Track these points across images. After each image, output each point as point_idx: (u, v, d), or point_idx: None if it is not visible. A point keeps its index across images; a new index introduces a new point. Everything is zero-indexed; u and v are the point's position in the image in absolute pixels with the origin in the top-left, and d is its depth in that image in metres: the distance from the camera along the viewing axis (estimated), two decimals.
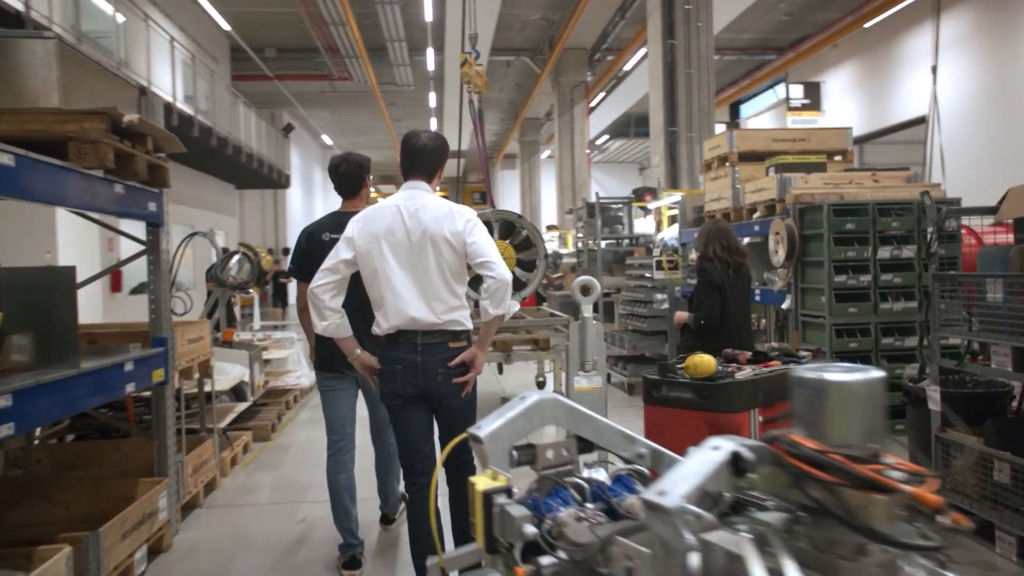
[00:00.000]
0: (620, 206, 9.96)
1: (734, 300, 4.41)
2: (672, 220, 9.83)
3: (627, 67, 19.16)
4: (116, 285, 11.23)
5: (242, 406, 5.90)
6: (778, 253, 5.28)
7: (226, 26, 15.12)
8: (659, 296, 7.37)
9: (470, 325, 2.92)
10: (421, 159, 2.94)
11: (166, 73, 13.14)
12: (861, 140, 17.63)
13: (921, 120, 14.60)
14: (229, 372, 5.81)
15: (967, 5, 13.25)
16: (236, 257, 6.19)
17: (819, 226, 5.00)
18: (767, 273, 5.68)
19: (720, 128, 15.62)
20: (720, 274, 4.39)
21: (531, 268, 6.04)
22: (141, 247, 4.03)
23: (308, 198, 30.67)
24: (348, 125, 28.19)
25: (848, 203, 5.12)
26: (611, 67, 19.60)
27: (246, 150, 16.37)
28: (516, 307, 3.83)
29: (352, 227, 2.90)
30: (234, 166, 16.29)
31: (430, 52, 17.78)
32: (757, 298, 5.92)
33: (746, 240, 5.90)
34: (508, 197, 34.90)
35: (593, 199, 9.57)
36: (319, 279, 2.86)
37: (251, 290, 6.90)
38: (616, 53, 18.86)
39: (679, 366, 3.45)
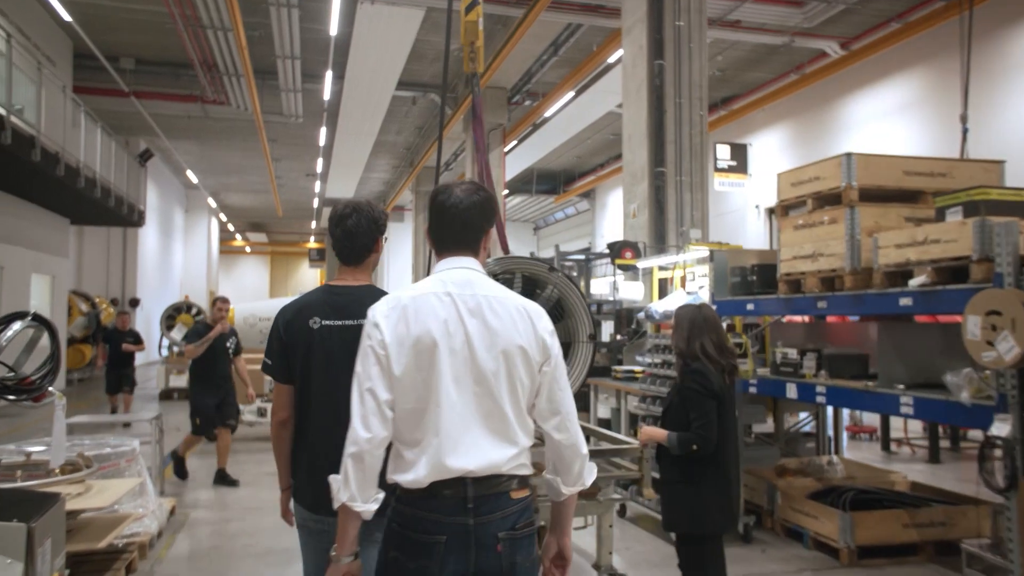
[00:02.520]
0: (571, 264, 7.80)
1: (729, 419, 3.35)
2: (662, 286, 7.74)
3: (548, 113, 17.45)
4: None
5: None
6: (1000, 345, 3.18)
7: (66, 16, 11.92)
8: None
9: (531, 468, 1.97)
10: (466, 222, 2.05)
11: None
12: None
13: None
14: None
15: (912, 73, 12.56)
16: (16, 326, 3.21)
17: None
18: (950, 376, 3.57)
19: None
20: (717, 380, 3.29)
21: (565, 355, 3.64)
22: None
23: (166, 241, 26.64)
24: (219, 161, 24.72)
25: None
26: (531, 113, 17.83)
27: (86, 174, 12.92)
28: (593, 474, 2.07)
29: (382, 325, 1.92)
30: (69, 194, 12.79)
31: (328, 76, 15.20)
32: (907, 412, 3.80)
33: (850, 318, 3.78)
34: (397, 255, 32.23)
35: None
36: (371, 429, 1.88)
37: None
38: (539, 98, 17.13)
39: None
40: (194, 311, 14.23)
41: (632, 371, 6.67)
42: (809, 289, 4.55)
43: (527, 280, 3.66)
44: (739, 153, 17.78)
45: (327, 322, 2.46)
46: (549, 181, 27.06)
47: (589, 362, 3.62)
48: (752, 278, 5.41)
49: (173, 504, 5.66)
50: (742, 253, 5.78)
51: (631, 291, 7.87)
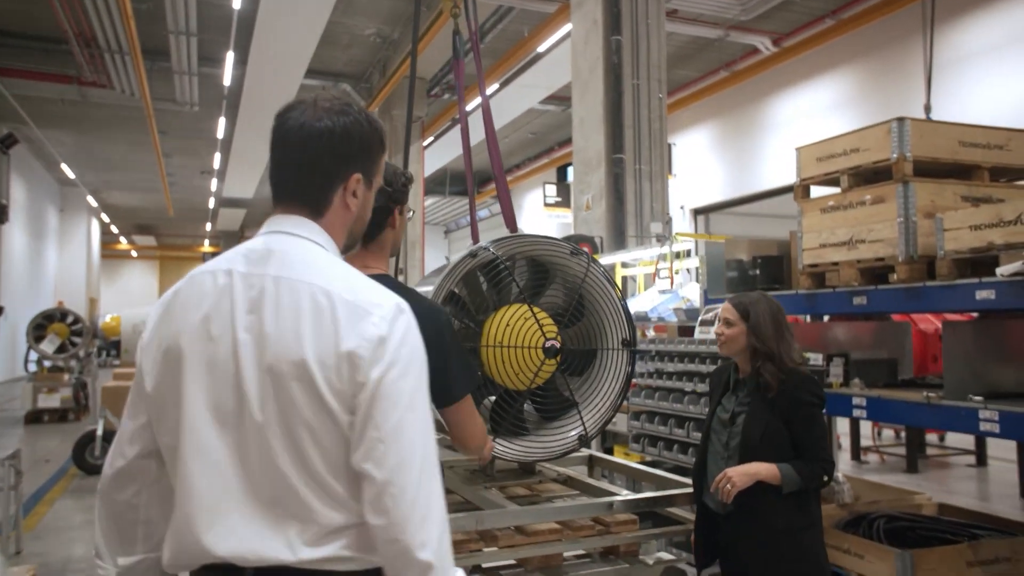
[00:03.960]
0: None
1: None
2: (625, 284, 6.99)
3: (469, 107, 16.52)
4: None
5: None
6: None
7: None
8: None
9: (373, 559, 1.23)
10: (301, 162, 1.33)
11: None
12: (714, 209, 16.63)
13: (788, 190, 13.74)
14: None
15: (843, 71, 12.50)
16: None
17: None
18: None
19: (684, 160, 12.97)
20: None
21: (585, 368, 2.73)
22: None
23: (37, 243, 23.91)
24: (100, 155, 22.34)
25: None
26: (450, 107, 16.88)
27: None
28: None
29: (149, 320, 1.36)
30: None
31: (230, 59, 13.69)
32: (989, 430, 3.12)
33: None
34: None
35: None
36: (112, 464, 1.38)
37: None
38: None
39: None
40: (69, 319, 12.36)
41: None
42: (844, 282, 3.83)
43: (536, 268, 2.73)
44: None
45: None
46: (463, 182, 26.17)
47: (624, 378, 2.72)
48: (754, 272, 4.69)
49: (32, 572, 4.35)
50: (735, 244, 5.05)
51: None
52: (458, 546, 2.36)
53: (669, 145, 16.87)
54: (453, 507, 2.71)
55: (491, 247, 2.52)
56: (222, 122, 17.87)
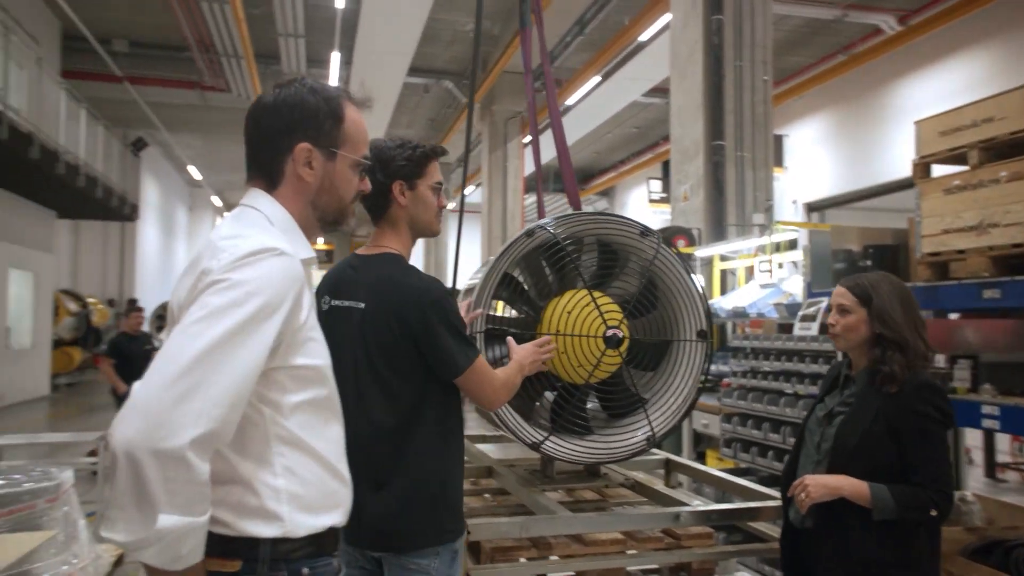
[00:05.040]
0: None
1: None
2: (724, 278, 6.57)
3: (571, 101, 16.29)
4: None
5: None
6: None
7: None
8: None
9: (267, 530, 1.20)
10: (248, 135, 1.41)
11: None
12: (829, 204, 15.60)
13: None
14: None
15: (980, 49, 11.34)
16: None
17: None
18: None
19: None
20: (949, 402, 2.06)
21: (658, 360, 2.46)
22: None
23: (168, 240, 25.67)
24: (223, 157, 23.65)
25: None
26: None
27: (67, 159, 11.81)
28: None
29: None
30: (50, 182, 11.70)
31: (335, 59, 14.09)
32: None
33: None
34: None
35: None
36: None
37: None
38: (562, 85, 15.95)
39: None
40: None
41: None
42: (972, 273, 3.35)
43: (606, 252, 2.48)
44: (775, 145, 16.62)
45: (336, 302, 1.92)
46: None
47: (698, 372, 2.43)
48: (865, 263, 4.23)
49: (117, 554, 4.50)
50: (843, 232, 4.59)
51: None
52: (506, 552, 2.16)
53: (780, 136, 16.07)
54: (507, 511, 2.51)
55: (550, 226, 2.29)
56: None
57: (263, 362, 1.18)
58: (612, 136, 20.85)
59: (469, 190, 22.77)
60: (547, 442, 2.28)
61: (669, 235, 6.92)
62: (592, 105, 16.51)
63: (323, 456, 1.30)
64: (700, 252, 6.36)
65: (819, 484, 1.99)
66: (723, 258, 6.54)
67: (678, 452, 5.09)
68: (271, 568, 1.20)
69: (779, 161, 16.37)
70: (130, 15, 13.21)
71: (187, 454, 1.04)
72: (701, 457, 5.17)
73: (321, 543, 1.27)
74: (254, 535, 1.20)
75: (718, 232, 6.71)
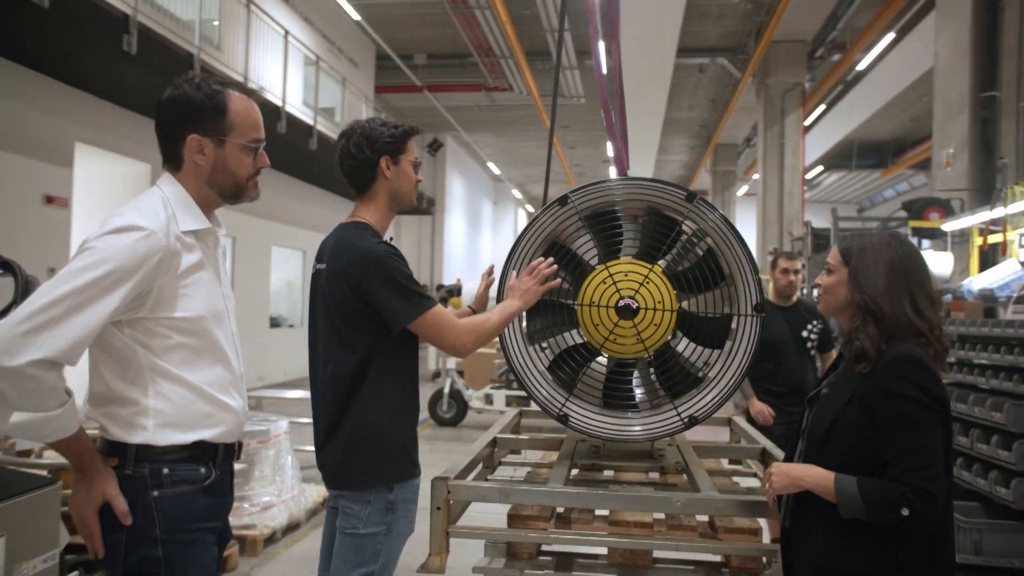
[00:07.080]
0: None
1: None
2: (985, 255, 5.49)
3: (861, 67, 14.54)
4: None
5: None
6: None
7: (355, 15, 12.77)
8: None
9: (134, 438, 1.54)
10: (157, 125, 1.68)
11: (277, 69, 10.99)
12: None
13: None
14: None
15: None
16: None
17: None
18: None
19: None
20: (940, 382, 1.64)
21: (722, 340, 2.26)
22: None
23: (473, 232, 28.44)
24: (516, 152, 25.54)
25: None
26: (835, 69, 15.06)
27: None
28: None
29: None
30: None
31: (601, 48, 14.35)
32: None
33: None
34: None
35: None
36: None
37: None
38: (844, 50, 14.35)
39: None
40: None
41: None
42: None
43: (655, 216, 2.33)
44: None
45: (318, 266, 2.11)
46: (873, 153, 23.13)
47: (753, 346, 2.18)
48: None
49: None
50: None
51: (936, 264, 5.68)
52: (527, 521, 2.19)
53: None
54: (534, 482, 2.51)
55: (571, 196, 2.23)
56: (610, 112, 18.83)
57: (107, 316, 1.45)
58: (928, 99, 18.10)
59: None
60: (571, 413, 2.24)
61: (920, 207, 5.95)
62: (890, 66, 14.56)
63: (199, 387, 1.57)
64: (955, 223, 5.39)
65: (782, 473, 1.70)
66: (990, 230, 5.46)
67: None
68: (135, 465, 1.52)
69: None
70: (423, 32, 14.93)
71: (27, 371, 1.35)
72: None
73: (193, 453, 1.56)
74: (124, 440, 1.53)
75: (986, 199, 5.59)
